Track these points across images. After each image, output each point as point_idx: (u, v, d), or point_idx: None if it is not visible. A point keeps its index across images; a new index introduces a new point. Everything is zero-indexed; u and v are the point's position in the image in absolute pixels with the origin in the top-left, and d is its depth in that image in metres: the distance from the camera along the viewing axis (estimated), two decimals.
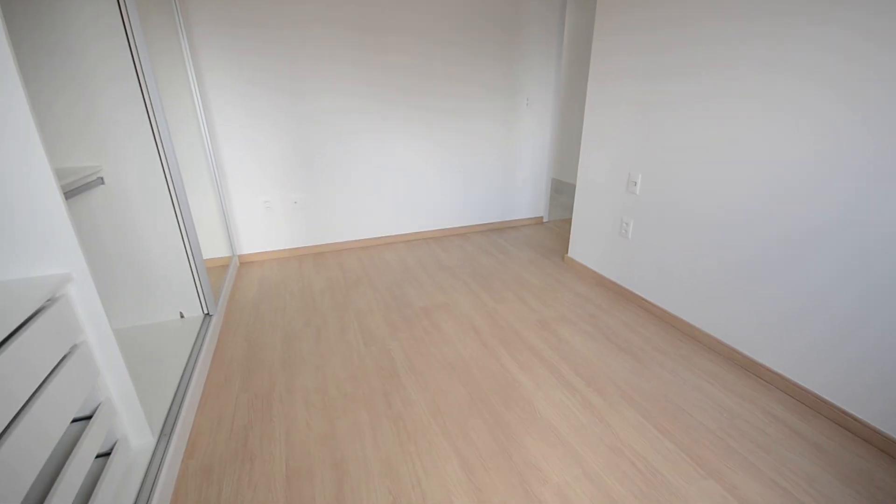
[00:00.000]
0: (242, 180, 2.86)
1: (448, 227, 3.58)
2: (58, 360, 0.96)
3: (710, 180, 1.88)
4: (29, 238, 1.00)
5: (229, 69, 2.61)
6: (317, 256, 3.16)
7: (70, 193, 1.46)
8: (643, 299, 2.33)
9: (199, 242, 2.16)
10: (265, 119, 2.77)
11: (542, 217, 3.94)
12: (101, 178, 1.74)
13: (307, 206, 3.08)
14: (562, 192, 5.12)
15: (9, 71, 0.89)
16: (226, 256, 2.87)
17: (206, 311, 2.11)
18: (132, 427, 1.26)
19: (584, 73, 4.61)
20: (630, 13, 2.17)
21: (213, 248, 2.84)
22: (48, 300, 0.99)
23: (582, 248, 2.79)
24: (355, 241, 3.31)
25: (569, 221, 3.96)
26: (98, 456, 1.14)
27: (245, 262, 3.04)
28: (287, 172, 2.95)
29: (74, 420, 1.08)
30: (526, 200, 3.82)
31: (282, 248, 3.12)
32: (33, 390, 0.85)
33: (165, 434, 1.34)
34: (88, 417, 1.09)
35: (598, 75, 2.44)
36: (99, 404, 1.15)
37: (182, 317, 2.07)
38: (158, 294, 2.01)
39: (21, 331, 0.86)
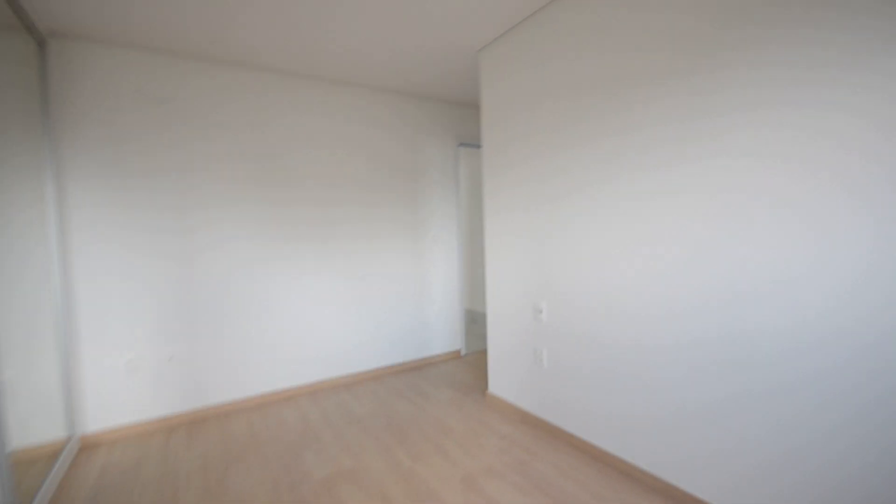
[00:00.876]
0: (101, 333, 2.38)
1: (360, 370, 3.25)
2: None
3: (610, 299, 1.95)
4: None
5: (102, 210, 2.37)
6: (193, 425, 2.56)
7: None
8: (572, 436, 2.15)
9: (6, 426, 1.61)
10: (140, 260, 2.47)
11: (459, 350, 3.80)
12: None
13: (186, 361, 2.61)
14: (477, 321, 5.13)
15: None
16: (58, 440, 2.19)
17: None
18: None
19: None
20: (506, 152, 2.46)
21: (39, 428, 2.18)
22: None
23: (501, 382, 2.64)
24: (246, 398, 2.80)
25: (486, 352, 3.86)
26: None
27: (90, 445, 2.35)
28: (162, 321, 2.54)
29: None
30: (441, 334, 3.70)
31: (147, 420, 2.50)
32: None
33: None
34: None
35: (491, 209, 2.63)
36: None
37: None
38: None
39: None
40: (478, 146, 3.84)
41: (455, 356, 3.76)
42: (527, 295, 2.40)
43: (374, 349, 3.32)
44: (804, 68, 1.29)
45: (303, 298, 3.00)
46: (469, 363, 3.58)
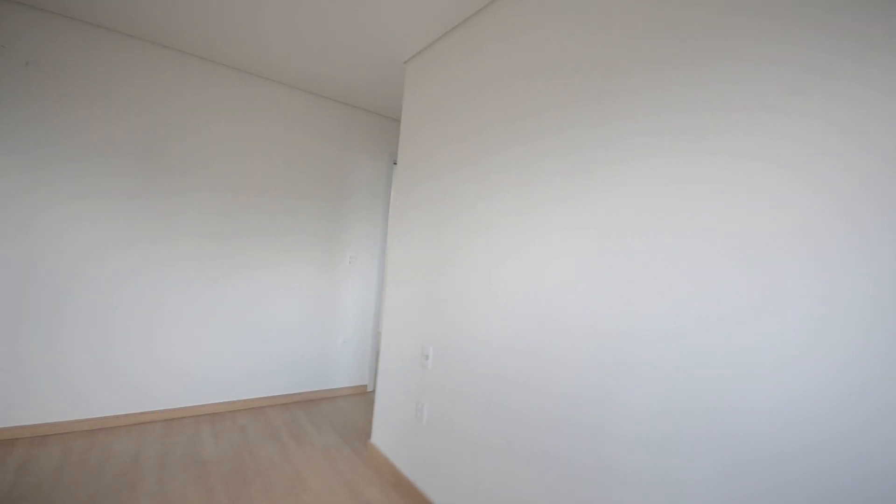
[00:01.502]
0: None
1: (240, 398, 2.82)
2: None
3: (495, 351, 1.65)
4: None
5: None
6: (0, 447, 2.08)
7: None
8: None
9: None
10: None
11: (365, 386, 3.41)
12: None
13: (6, 363, 2.14)
14: None
15: None
16: None
17: None
18: None
19: None
20: (416, 167, 2.20)
21: None
22: None
23: (384, 433, 2.28)
24: (80, 419, 2.33)
25: None
26: None
27: None
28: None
29: None
30: (348, 366, 3.32)
31: None
32: None
33: None
34: None
35: (394, 233, 2.34)
36: None
37: None
38: None
39: None
40: None
41: (360, 391, 3.37)
42: (418, 336, 2.08)
43: (264, 375, 2.91)
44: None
45: (180, 307, 2.59)
46: (371, 402, 3.20)
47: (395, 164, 3.48)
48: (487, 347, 1.65)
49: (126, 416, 2.45)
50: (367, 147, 3.32)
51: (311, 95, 3.03)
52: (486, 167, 1.75)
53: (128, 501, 1.77)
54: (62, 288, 2.26)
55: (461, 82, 1.94)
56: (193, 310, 2.64)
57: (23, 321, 2.18)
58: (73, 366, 2.30)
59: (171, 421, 2.56)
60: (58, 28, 2.22)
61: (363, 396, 3.32)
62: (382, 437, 2.28)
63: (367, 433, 2.63)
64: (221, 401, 2.75)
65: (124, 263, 2.42)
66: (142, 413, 2.49)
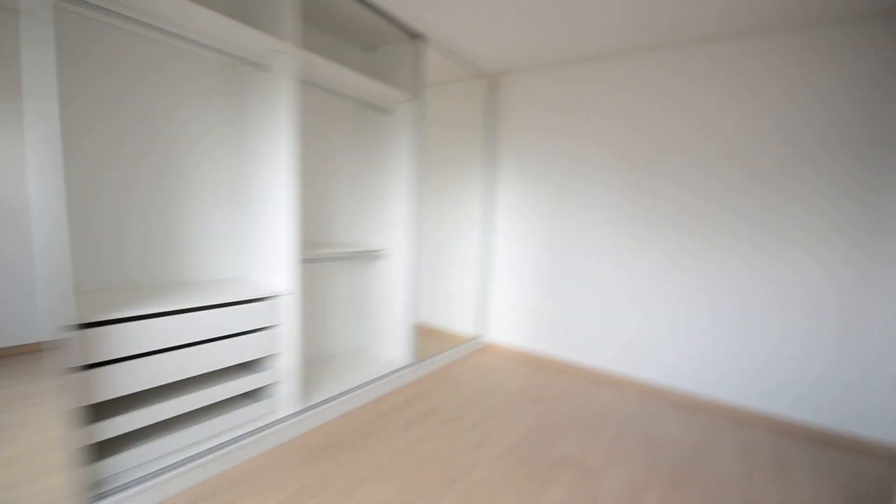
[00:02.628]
0: (504, 276, 3.39)
1: (721, 399, 2.54)
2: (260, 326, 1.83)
3: None
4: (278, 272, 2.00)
5: (513, 196, 3.29)
6: (542, 366, 3.13)
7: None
8: None
9: (415, 304, 2.87)
10: (531, 232, 3.22)
11: None
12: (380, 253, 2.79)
13: (551, 314, 3.18)
14: None
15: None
16: (470, 335, 3.45)
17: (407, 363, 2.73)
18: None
19: None
20: None
21: (464, 324, 3.51)
22: (270, 296, 1.89)
23: None
24: (584, 367, 3.01)
25: None
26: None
27: (485, 347, 3.48)
28: (537, 280, 3.21)
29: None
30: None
31: (517, 347, 3.34)
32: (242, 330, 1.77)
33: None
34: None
35: None
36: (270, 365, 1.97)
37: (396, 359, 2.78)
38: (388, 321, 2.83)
39: (252, 303, 1.79)
40: None
41: None
42: None
43: (750, 379, 2.46)
44: None
45: (675, 290, 2.72)
46: None
47: None
48: None
49: (613, 375, 2.89)
50: None
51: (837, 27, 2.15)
52: None
53: (585, 437, 2.15)
54: (583, 266, 3.02)
55: None
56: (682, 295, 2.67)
57: (559, 288, 3.12)
58: (591, 324, 3.02)
59: (643, 393, 2.73)
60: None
61: None
62: None
63: None
64: (696, 392, 2.60)
65: (620, 247, 2.85)
66: (639, 380, 2.84)
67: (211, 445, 1.73)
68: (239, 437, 1.82)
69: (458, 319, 3.55)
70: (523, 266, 3.27)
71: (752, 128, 2.39)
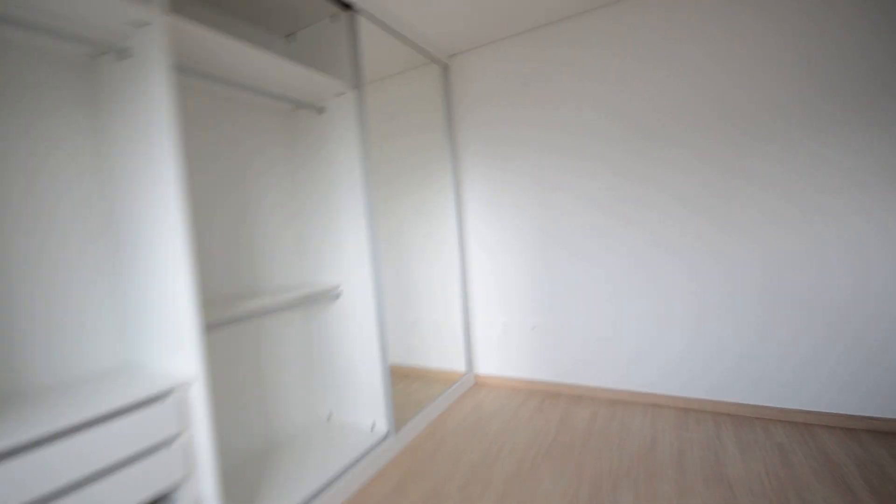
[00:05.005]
0: (485, 295, 2.83)
1: (775, 404, 2.12)
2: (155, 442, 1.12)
3: None
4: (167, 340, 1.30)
5: (484, 198, 2.77)
6: (548, 396, 2.58)
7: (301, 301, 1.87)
8: None
9: (387, 349, 2.24)
10: (511, 234, 2.70)
11: None
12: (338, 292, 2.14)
13: (548, 333, 2.65)
14: None
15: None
16: (456, 372, 2.85)
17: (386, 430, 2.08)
18: None
19: None
20: None
21: (448, 360, 2.91)
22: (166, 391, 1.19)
23: None
24: (598, 388, 2.50)
25: None
26: None
27: (480, 383, 2.90)
28: (530, 293, 2.68)
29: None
30: None
31: (514, 377, 2.77)
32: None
33: None
34: None
35: None
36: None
37: (373, 428, 2.12)
38: (348, 397, 2.17)
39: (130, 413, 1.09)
40: None
41: None
42: None
43: (811, 377, 2.05)
44: None
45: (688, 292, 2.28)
46: None
47: None
48: None
49: (643, 394, 2.40)
50: None
51: None
52: None
53: (644, 496, 1.61)
54: (581, 274, 2.53)
55: None
56: (712, 292, 2.23)
57: (556, 298, 2.61)
58: (591, 339, 2.51)
59: (687, 411, 2.26)
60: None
61: None
62: None
63: None
64: (746, 402, 2.16)
65: (633, 253, 2.40)
66: (657, 395, 2.36)
67: None
68: None
69: (440, 354, 2.95)
70: (507, 278, 2.73)
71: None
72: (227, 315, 1.58)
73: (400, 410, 2.33)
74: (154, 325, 1.37)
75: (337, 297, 2.16)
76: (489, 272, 2.79)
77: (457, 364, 2.88)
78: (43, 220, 1.31)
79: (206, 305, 1.66)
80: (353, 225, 2.04)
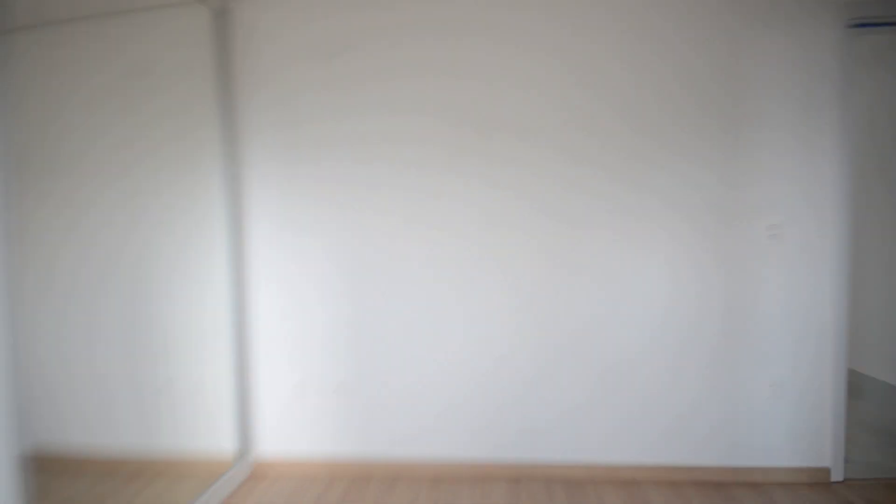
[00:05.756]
0: (272, 344, 2.01)
1: (601, 461, 1.88)
2: None
3: None
4: None
5: (279, 210, 1.98)
6: (354, 482, 1.90)
7: None
8: None
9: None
10: (315, 263, 1.97)
11: (827, 470, 1.79)
12: None
13: (353, 394, 1.98)
14: (866, 395, 2.66)
15: None
16: (224, 457, 1.93)
17: None
18: None
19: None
20: None
21: (211, 439, 1.98)
22: None
23: None
24: (420, 463, 1.95)
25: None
26: None
27: (259, 472, 2.01)
28: (331, 340, 1.98)
29: None
30: (782, 429, 1.82)
31: (311, 458, 1.99)
32: None
33: None
34: None
35: None
36: None
37: None
38: None
39: None
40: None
41: (814, 478, 1.79)
42: None
43: (632, 431, 1.86)
44: None
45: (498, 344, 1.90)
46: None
47: (853, 26, 1.69)
48: None
49: (469, 465, 1.92)
50: (789, 6, 1.72)
51: None
52: None
53: None
54: (398, 311, 1.94)
55: None
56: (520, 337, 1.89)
57: (363, 348, 1.97)
58: (408, 397, 1.95)
59: (519, 481, 1.87)
60: None
61: (823, 489, 1.75)
62: None
63: None
64: (575, 462, 1.88)
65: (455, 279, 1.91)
66: (480, 463, 1.92)
67: None
68: None
69: (196, 433, 1.97)
70: (304, 321, 1.98)
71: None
72: None
73: None
74: None
75: None
76: (279, 312, 1.99)
77: (225, 444, 1.96)
78: None
79: None
80: None
